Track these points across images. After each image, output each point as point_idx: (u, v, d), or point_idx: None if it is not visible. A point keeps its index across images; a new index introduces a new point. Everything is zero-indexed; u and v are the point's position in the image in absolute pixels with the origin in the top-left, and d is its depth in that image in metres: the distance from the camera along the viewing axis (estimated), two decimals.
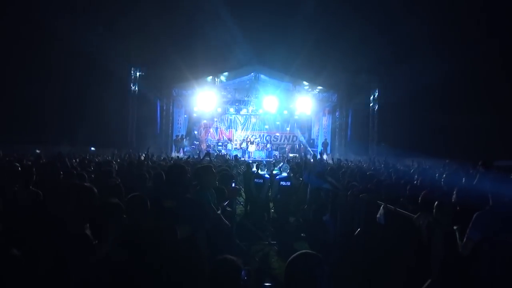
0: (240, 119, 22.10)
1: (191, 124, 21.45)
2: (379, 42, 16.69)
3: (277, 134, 22.08)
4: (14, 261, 1.63)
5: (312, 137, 22.19)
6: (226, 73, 18.42)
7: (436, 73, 15.67)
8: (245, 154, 19.02)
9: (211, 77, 18.10)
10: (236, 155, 17.47)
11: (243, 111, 21.44)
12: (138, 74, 17.68)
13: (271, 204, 8.50)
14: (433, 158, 10.98)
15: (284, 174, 8.05)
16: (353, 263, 4.74)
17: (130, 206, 2.60)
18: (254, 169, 8.83)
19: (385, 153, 14.38)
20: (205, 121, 21.61)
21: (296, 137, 22.04)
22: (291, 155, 18.67)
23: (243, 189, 8.79)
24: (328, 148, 19.47)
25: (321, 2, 17.54)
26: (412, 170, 8.25)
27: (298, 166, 9.36)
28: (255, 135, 21.36)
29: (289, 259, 1.58)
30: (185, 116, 21.02)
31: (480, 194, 2.96)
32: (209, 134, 21.79)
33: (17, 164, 5.25)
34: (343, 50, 16.66)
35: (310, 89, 19.43)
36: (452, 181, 4.84)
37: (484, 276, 2.74)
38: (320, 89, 19.43)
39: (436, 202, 3.36)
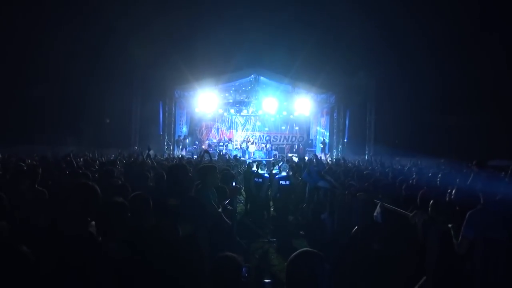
0: (240, 119, 22.11)
1: (193, 125, 21.46)
2: (376, 45, 16.71)
3: (277, 134, 22.12)
4: (23, 258, 1.63)
5: (310, 138, 22.21)
6: (227, 75, 18.42)
7: (432, 75, 15.69)
8: (245, 154, 19.03)
9: (212, 78, 18.10)
10: (236, 155, 17.50)
11: (244, 112, 21.46)
12: (141, 76, 17.70)
13: (270, 203, 8.50)
14: (428, 158, 10.98)
15: (284, 174, 8.05)
16: (351, 261, 4.74)
17: (133, 205, 2.60)
18: (254, 168, 8.83)
19: (382, 153, 14.39)
20: (206, 122, 21.62)
21: (295, 137, 22.07)
22: (290, 155, 18.68)
23: (243, 188, 8.79)
24: (326, 148, 19.49)
25: (319, 6, 17.56)
26: (406, 168, 8.26)
27: (298, 166, 9.37)
28: (255, 136, 21.36)
29: (290, 257, 1.58)
30: (187, 116, 21.04)
31: (474, 193, 2.97)
32: (210, 135, 21.79)
33: (23, 164, 5.26)
34: (341, 53, 16.68)
35: (308, 91, 19.43)
36: (448, 181, 4.85)
37: (478, 273, 2.74)
38: (319, 91, 19.43)
39: (432, 201, 3.37)
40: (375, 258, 4.12)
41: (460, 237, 2.82)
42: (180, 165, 3.72)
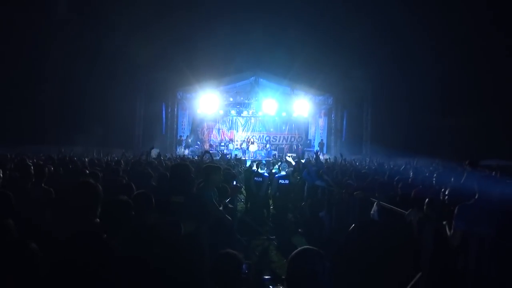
0: (241, 120, 22.11)
1: (195, 125, 21.48)
2: (372, 48, 16.70)
3: (276, 134, 22.14)
4: (32, 255, 1.63)
5: (309, 138, 22.23)
6: (227, 77, 18.46)
7: (428, 76, 15.67)
8: (245, 153, 19.06)
9: (213, 81, 18.13)
10: (236, 155, 17.51)
11: (244, 113, 21.47)
12: (145, 78, 17.74)
13: (270, 201, 8.50)
14: (424, 158, 10.96)
15: (283, 173, 8.05)
16: (348, 258, 4.75)
17: (136, 202, 2.61)
18: (254, 168, 8.83)
19: (379, 153, 14.38)
20: (207, 122, 21.65)
21: (294, 138, 22.10)
22: (289, 154, 18.68)
23: (243, 187, 8.79)
24: (324, 148, 19.51)
25: (317, 11, 17.57)
26: (402, 168, 8.26)
27: (296, 165, 9.39)
28: (255, 136, 21.38)
29: (291, 254, 1.57)
30: (189, 117, 21.07)
31: (466, 192, 2.97)
32: (212, 135, 21.81)
33: (30, 163, 5.25)
34: (338, 55, 16.69)
35: (307, 93, 19.45)
36: (442, 180, 4.85)
37: (470, 269, 2.74)
38: (317, 92, 19.46)
39: (427, 200, 3.37)
40: (372, 255, 4.12)
41: (452, 230, 2.82)
42: (184, 164, 3.71)
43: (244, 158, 16.76)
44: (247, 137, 20.82)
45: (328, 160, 12.58)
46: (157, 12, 15.95)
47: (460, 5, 14.16)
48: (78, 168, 5.19)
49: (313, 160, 10.35)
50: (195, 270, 2.64)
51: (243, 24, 17.13)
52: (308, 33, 17.22)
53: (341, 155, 10.71)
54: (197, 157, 12.15)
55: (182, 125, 20.11)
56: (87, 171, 4.54)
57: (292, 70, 16.97)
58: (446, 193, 3.42)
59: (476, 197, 2.84)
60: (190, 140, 19.52)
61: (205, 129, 21.76)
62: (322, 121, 21.05)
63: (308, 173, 7.43)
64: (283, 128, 22.28)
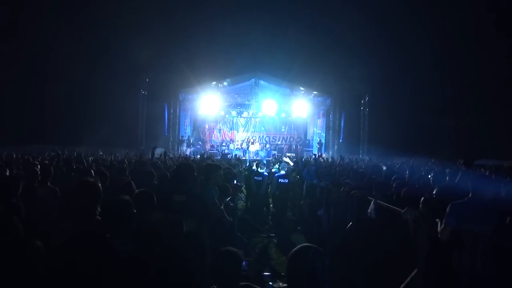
0: (241, 121, 22.11)
1: (196, 126, 21.48)
2: (370, 50, 16.70)
3: (276, 135, 22.15)
4: (38, 252, 1.63)
5: (308, 138, 22.24)
6: (228, 79, 18.47)
7: (425, 77, 15.66)
8: (245, 153, 19.08)
9: (214, 82, 18.15)
10: (236, 154, 17.52)
11: (244, 114, 21.46)
12: (147, 80, 17.76)
13: (270, 200, 8.50)
14: (421, 157, 10.96)
15: (282, 172, 8.05)
16: (345, 255, 4.75)
17: (138, 201, 2.60)
18: (254, 167, 8.83)
19: (376, 153, 14.38)
20: (209, 123, 21.66)
21: (293, 138, 22.11)
22: (288, 154, 18.68)
23: (244, 186, 8.78)
24: (323, 148, 19.51)
25: (315, 14, 17.58)
26: (397, 166, 8.27)
27: (296, 164, 9.39)
28: (255, 136, 21.38)
29: (292, 252, 1.58)
30: (191, 118, 21.08)
31: (460, 191, 2.97)
32: (213, 135, 21.82)
33: (37, 162, 5.25)
34: (337, 57, 16.70)
35: (306, 94, 19.46)
36: (440, 179, 4.85)
37: (464, 266, 2.74)
38: (315, 94, 19.47)
39: (422, 198, 3.37)
40: (369, 252, 4.12)
41: (442, 225, 2.83)
42: (187, 163, 3.71)
43: (244, 158, 16.76)
44: (247, 137, 20.84)
45: (327, 160, 12.58)
46: (160, 15, 15.98)
47: (459, 6, 14.13)
48: (84, 168, 5.19)
49: (312, 160, 10.37)
50: (197, 267, 2.64)
51: (244, 27, 17.16)
52: (307, 35, 17.26)
53: (341, 157, 10.73)
54: (198, 157, 12.14)
55: (184, 125, 20.12)
56: (92, 170, 4.54)
57: (291, 72, 17.00)
58: (434, 192, 3.42)
59: (470, 195, 2.84)
60: (192, 140, 19.55)
61: (206, 129, 21.77)
62: (320, 122, 21.05)
63: (307, 172, 7.44)
64: (283, 128, 22.28)
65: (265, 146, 20.89)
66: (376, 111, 17.80)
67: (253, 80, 18.83)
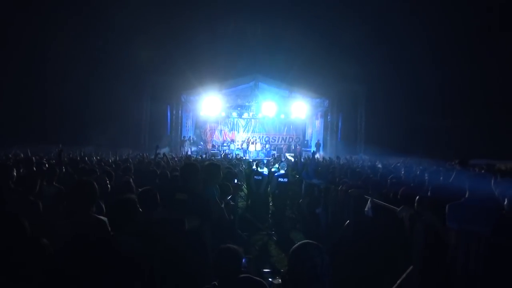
0: (241, 122, 22.13)
1: (198, 127, 21.52)
2: (368, 50, 16.70)
3: (275, 135, 22.18)
4: (44, 251, 1.63)
5: (306, 138, 22.26)
6: (229, 82, 18.50)
7: (422, 79, 15.65)
8: (245, 153, 19.11)
9: (215, 84, 18.17)
10: (237, 154, 17.52)
11: (245, 115, 21.45)
12: (150, 82, 17.80)
13: (270, 199, 8.50)
14: (417, 157, 10.95)
15: (282, 171, 8.05)
16: (343, 252, 4.74)
17: (142, 198, 2.61)
18: (254, 167, 8.82)
19: (373, 153, 14.37)
20: (210, 124, 21.68)
21: (292, 138, 22.14)
22: (287, 154, 18.70)
23: (244, 185, 8.78)
24: (321, 148, 19.51)
25: (313, 17, 17.60)
26: (392, 166, 8.27)
27: (295, 164, 9.38)
28: (255, 136, 21.40)
29: (292, 248, 1.59)
30: (193, 119, 21.11)
31: (455, 190, 2.96)
32: (214, 136, 21.85)
33: (45, 162, 5.26)
34: (334, 60, 16.72)
35: (304, 95, 19.48)
36: (435, 178, 4.85)
37: (459, 264, 2.74)
38: (314, 95, 19.48)
39: (417, 197, 3.37)
40: (366, 249, 4.12)
41: (446, 231, 2.80)
42: (191, 163, 3.70)
43: (244, 158, 16.76)
44: (247, 138, 20.86)
45: (325, 159, 12.57)
46: (163, 20, 16.00)
47: (457, 8, 14.10)
48: (89, 167, 5.19)
49: (308, 159, 10.35)
50: (199, 263, 2.63)
51: (244, 30, 17.20)
52: (305, 39, 17.28)
53: (338, 158, 10.73)
54: (202, 157, 12.14)
55: (186, 126, 20.15)
56: (97, 170, 4.55)
57: (290, 75, 17.06)
58: (429, 191, 3.42)
59: (466, 195, 2.82)
60: (193, 140, 19.59)
61: (208, 130, 21.80)
62: (318, 123, 21.06)
63: (306, 173, 7.44)
64: (282, 129, 22.31)
65: (265, 146, 20.91)
66: (373, 112, 17.82)
67: (253, 82, 18.87)
